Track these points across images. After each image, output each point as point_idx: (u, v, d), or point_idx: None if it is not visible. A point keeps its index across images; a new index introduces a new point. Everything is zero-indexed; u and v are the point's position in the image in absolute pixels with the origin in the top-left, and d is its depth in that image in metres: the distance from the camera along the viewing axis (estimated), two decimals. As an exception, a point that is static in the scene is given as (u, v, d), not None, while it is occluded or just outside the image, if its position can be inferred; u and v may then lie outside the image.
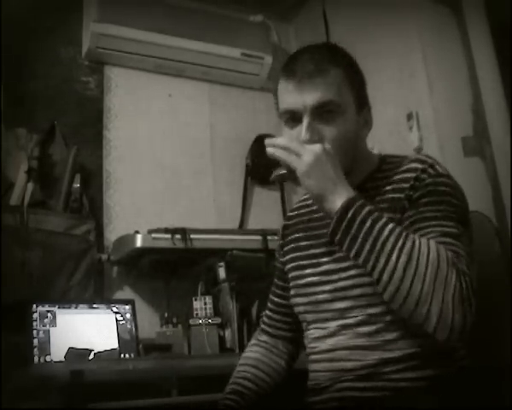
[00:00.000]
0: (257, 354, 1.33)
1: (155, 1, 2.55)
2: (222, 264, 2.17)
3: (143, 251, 2.14)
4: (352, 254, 1.02)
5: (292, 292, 1.25)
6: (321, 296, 1.16)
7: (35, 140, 2.17)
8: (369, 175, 1.17)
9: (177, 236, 2.10)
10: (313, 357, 1.19)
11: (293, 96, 1.11)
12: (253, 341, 1.39)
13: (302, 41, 2.89)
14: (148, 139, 2.55)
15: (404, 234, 0.99)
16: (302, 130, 1.10)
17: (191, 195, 2.57)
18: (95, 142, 2.42)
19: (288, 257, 1.28)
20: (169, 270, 2.30)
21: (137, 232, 2.11)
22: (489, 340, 1.21)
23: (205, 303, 2.15)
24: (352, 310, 1.11)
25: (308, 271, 1.20)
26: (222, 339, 2.14)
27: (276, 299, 1.37)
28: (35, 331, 1.84)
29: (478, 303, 0.98)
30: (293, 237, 1.28)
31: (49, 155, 2.22)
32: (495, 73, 2.14)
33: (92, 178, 2.36)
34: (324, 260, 1.17)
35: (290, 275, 1.26)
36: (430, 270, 0.95)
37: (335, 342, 1.13)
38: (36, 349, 1.81)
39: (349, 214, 1.01)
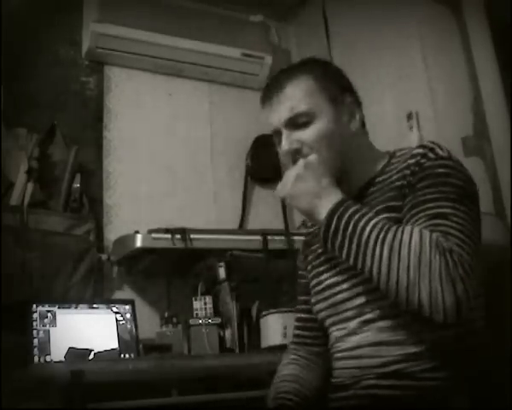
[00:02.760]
0: (294, 370, 1.31)
1: (155, 1, 2.55)
2: (222, 264, 2.17)
3: (143, 251, 2.13)
4: (344, 258, 1.05)
5: (313, 300, 1.26)
6: (339, 296, 1.17)
7: (35, 140, 2.17)
8: (378, 172, 1.19)
9: (177, 236, 2.10)
10: (337, 355, 1.20)
11: (271, 117, 1.20)
12: (285, 361, 1.36)
13: (302, 41, 2.90)
14: (148, 139, 2.55)
15: (385, 227, 1.00)
16: (282, 143, 1.17)
17: (191, 195, 2.57)
18: (95, 142, 2.42)
19: (309, 268, 1.30)
20: (169, 270, 2.30)
21: (137, 232, 2.11)
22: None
23: (205, 303, 2.15)
24: (369, 304, 1.11)
25: (325, 275, 1.21)
26: (222, 339, 2.13)
27: (303, 315, 1.37)
28: (35, 331, 1.83)
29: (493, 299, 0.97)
30: (312, 248, 1.30)
31: (49, 155, 2.22)
32: (495, 73, 2.14)
33: (92, 178, 2.36)
34: (339, 260, 1.16)
35: (311, 284, 1.28)
36: (413, 257, 0.96)
37: (359, 339, 1.13)
38: (36, 349, 1.80)
39: (333, 224, 1.05)
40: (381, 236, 0.99)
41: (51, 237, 2.09)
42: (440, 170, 1.07)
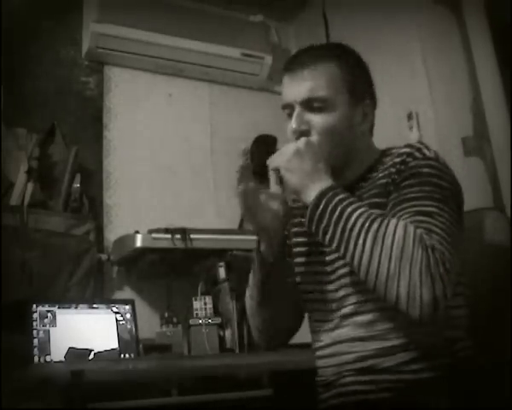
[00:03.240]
0: None
1: (155, 1, 2.55)
2: (222, 264, 2.17)
3: (143, 251, 2.13)
4: (327, 241, 1.05)
5: (298, 278, 1.26)
6: (324, 286, 1.17)
7: (35, 140, 2.17)
8: (368, 167, 1.19)
9: (177, 236, 2.10)
10: (318, 353, 1.21)
11: (287, 89, 1.18)
12: None
13: (302, 41, 2.89)
14: (148, 139, 2.55)
15: (371, 217, 1.01)
16: (292, 120, 1.16)
17: (191, 195, 2.57)
18: (95, 142, 2.42)
19: (295, 240, 1.29)
20: (169, 270, 2.30)
21: (137, 232, 2.11)
22: (498, 336, 1.21)
23: (205, 303, 2.15)
24: (348, 297, 1.12)
25: (312, 258, 1.22)
26: (222, 339, 2.14)
27: None
28: (35, 331, 1.84)
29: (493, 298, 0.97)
30: (296, 221, 1.28)
31: (49, 155, 2.22)
32: (495, 73, 2.14)
33: (92, 178, 2.36)
34: (327, 249, 1.17)
35: (295, 260, 1.27)
36: (396, 248, 0.96)
37: (337, 335, 1.14)
38: (36, 349, 1.81)
39: (320, 206, 1.05)
40: (366, 224, 1.00)
41: (51, 237, 2.09)
42: (426, 170, 1.07)
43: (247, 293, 1.29)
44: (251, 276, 1.26)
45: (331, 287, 1.16)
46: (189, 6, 2.63)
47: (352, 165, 1.19)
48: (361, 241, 0.99)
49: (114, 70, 2.54)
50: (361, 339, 1.10)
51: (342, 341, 1.13)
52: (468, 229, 1.13)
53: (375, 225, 0.99)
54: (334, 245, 1.04)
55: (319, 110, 1.14)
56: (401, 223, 0.99)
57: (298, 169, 1.09)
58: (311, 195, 1.07)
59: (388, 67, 2.34)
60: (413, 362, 1.06)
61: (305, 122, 1.15)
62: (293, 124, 1.15)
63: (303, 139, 1.11)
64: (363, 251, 0.99)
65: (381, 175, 1.13)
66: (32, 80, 2.31)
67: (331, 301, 1.16)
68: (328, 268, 1.17)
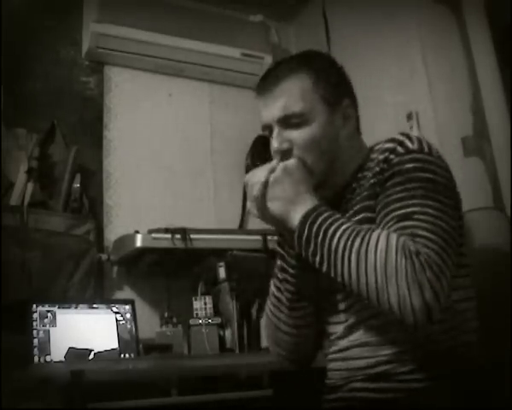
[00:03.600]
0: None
1: (155, 1, 2.55)
2: (222, 264, 2.17)
3: (143, 251, 2.13)
4: (318, 265, 1.04)
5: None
6: (334, 293, 1.16)
7: (35, 140, 2.17)
8: (358, 167, 1.17)
9: (177, 236, 2.10)
10: (329, 356, 1.20)
11: (263, 111, 1.19)
12: None
13: (302, 41, 2.90)
14: (148, 139, 2.55)
15: (353, 233, 0.99)
16: (273, 140, 1.16)
17: (191, 195, 2.57)
18: (95, 142, 2.42)
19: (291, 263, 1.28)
20: (169, 270, 2.30)
21: (137, 232, 2.11)
22: (499, 335, 1.21)
23: (205, 303, 2.15)
24: (360, 303, 1.10)
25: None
26: (222, 339, 2.14)
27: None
28: (35, 331, 1.83)
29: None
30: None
31: (49, 155, 2.22)
32: (495, 73, 2.14)
33: (92, 178, 2.36)
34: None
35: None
36: (379, 262, 0.95)
37: (349, 340, 1.13)
38: (36, 349, 1.80)
39: (305, 231, 1.04)
40: (348, 243, 0.99)
41: (51, 237, 2.09)
42: (408, 165, 1.04)
43: (269, 306, 1.28)
44: (273, 282, 1.26)
45: (339, 296, 1.15)
46: (189, 6, 2.63)
47: (341, 169, 1.17)
48: (346, 260, 0.98)
49: (114, 70, 2.54)
50: (372, 344, 1.09)
51: (352, 346, 1.12)
52: (468, 229, 1.12)
53: (357, 242, 0.98)
54: (325, 268, 1.03)
55: (297, 125, 1.13)
56: (383, 234, 0.98)
57: (279, 197, 1.08)
58: (294, 219, 1.06)
59: (388, 67, 2.34)
60: (423, 371, 1.04)
61: (285, 140, 1.14)
62: (274, 144, 1.15)
63: (280, 166, 1.10)
64: (349, 270, 0.98)
65: (369, 175, 1.11)
66: (32, 80, 2.31)
67: (340, 308, 1.15)
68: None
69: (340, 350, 1.15)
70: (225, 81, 2.75)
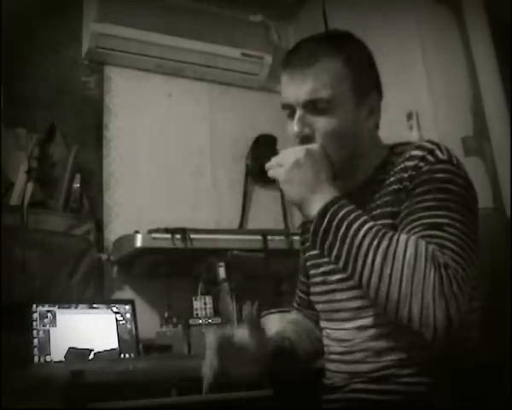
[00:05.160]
0: (295, 318, 1.36)
1: (155, 1, 2.55)
2: (222, 264, 2.16)
3: (143, 251, 2.13)
4: (333, 259, 1.01)
5: (311, 290, 1.25)
6: (336, 295, 1.15)
7: (35, 140, 2.17)
8: (378, 167, 1.14)
9: (177, 236, 2.10)
10: (330, 357, 1.19)
11: (287, 89, 1.11)
12: (289, 316, 1.42)
13: (302, 41, 2.89)
14: (148, 139, 2.55)
15: (380, 233, 0.96)
16: (294, 123, 1.10)
17: (191, 195, 2.57)
18: (95, 142, 2.42)
19: (307, 256, 1.28)
20: (169, 270, 2.30)
21: (137, 232, 2.11)
22: (499, 335, 1.21)
23: (205, 303, 2.15)
24: (366, 309, 1.08)
25: (322, 269, 1.19)
26: (222, 339, 2.13)
27: (302, 295, 1.38)
28: (35, 331, 1.83)
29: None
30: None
31: (49, 155, 2.22)
32: (495, 72, 2.14)
33: (92, 178, 2.36)
34: None
35: (309, 273, 1.26)
36: (406, 269, 0.92)
37: (352, 344, 1.11)
38: (36, 349, 1.80)
39: (325, 222, 1.00)
40: (375, 242, 0.95)
41: (51, 237, 2.09)
42: (439, 175, 1.02)
43: None
44: None
45: (343, 296, 1.13)
46: (189, 6, 2.63)
47: (360, 165, 1.14)
48: (369, 260, 0.94)
49: (114, 70, 2.54)
50: (375, 351, 1.07)
51: (356, 351, 1.10)
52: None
53: (385, 243, 0.94)
54: (341, 263, 0.99)
55: (322, 112, 1.07)
56: (412, 239, 0.95)
57: (297, 181, 1.03)
58: (314, 208, 1.01)
59: (388, 66, 2.33)
60: (426, 374, 1.03)
61: (307, 125, 1.08)
62: (295, 127, 1.09)
63: (302, 149, 1.05)
64: (372, 271, 0.94)
65: (392, 179, 1.08)
66: (32, 80, 2.31)
67: (344, 310, 1.13)
68: (339, 276, 1.13)
69: (343, 353, 1.13)
70: (225, 81, 2.75)
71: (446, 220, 0.98)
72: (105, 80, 2.52)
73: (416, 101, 2.22)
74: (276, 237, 2.26)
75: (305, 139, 1.09)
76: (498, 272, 1.23)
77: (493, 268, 1.23)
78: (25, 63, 2.31)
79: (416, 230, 0.98)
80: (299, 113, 1.09)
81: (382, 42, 2.36)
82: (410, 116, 2.21)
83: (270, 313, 2.06)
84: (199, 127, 2.68)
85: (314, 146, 1.07)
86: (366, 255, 0.95)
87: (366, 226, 0.97)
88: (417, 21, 2.26)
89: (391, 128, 2.20)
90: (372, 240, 0.95)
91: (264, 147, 2.59)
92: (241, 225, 2.62)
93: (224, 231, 2.32)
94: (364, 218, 0.99)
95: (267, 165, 1.08)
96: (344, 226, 0.98)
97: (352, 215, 0.99)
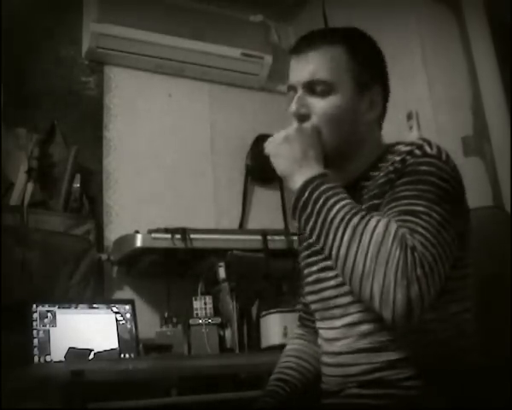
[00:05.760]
0: (298, 345, 1.34)
1: (155, 1, 2.55)
2: (222, 264, 2.17)
3: (143, 251, 2.13)
4: (308, 231, 1.03)
5: (305, 290, 1.25)
6: (326, 293, 1.15)
7: (35, 140, 2.18)
8: (371, 164, 1.14)
9: (177, 236, 2.10)
10: (324, 360, 1.19)
11: (292, 72, 1.16)
12: (292, 335, 1.41)
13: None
14: (148, 139, 2.55)
15: (353, 210, 0.98)
16: (293, 103, 1.14)
17: (191, 195, 2.57)
18: (95, 142, 2.42)
19: (301, 256, 1.28)
20: (169, 270, 2.30)
21: (137, 232, 2.11)
22: (499, 335, 1.21)
23: (205, 303, 2.15)
24: (352, 305, 1.08)
25: (315, 267, 1.19)
26: (222, 339, 2.13)
27: (303, 299, 1.37)
28: (35, 331, 1.84)
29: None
30: (304, 236, 1.26)
31: (49, 155, 2.23)
32: (495, 72, 2.14)
33: (92, 178, 2.36)
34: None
35: (303, 273, 1.26)
36: (373, 246, 0.92)
37: (341, 345, 1.11)
38: (36, 349, 1.81)
39: (305, 194, 1.02)
40: (346, 217, 0.97)
41: (51, 237, 2.09)
42: (423, 168, 1.02)
43: None
44: None
45: (333, 292, 1.13)
46: (189, 6, 2.63)
47: (355, 159, 1.15)
48: (339, 234, 0.96)
49: (114, 70, 2.54)
50: (365, 351, 1.07)
51: (347, 352, 1.10)
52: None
53: (355, 220, 0.96)
54: (315, 236, 1.01)
55: (321, 94, 1.11)
56: (383, 220, 0.96)
57: (286, 155, 1.07)
58: (297, 181, 1.05)
59: (388, 66, 2.34)
60: (420, 377, 1.02)
61: (305, 105, 1.12)
62: (293, 106, 1.13)
63: (294, 125, 1.10)
64: (340, 245, 0.96)
65: (381, 175, 1.09)
66: (32, 80, 2.31)
67: (333, 307, 1.13)
68: (330, 273, 1.13)
69: (335, 354, 1.13)
70: (225, 81, 2.76)
71: (423, 209, 0.98)
72: (105, 80, 2.52)
73: (416, 101, 2.22)
74: (276, 237, 2.26)
75: (301, 119, 1.12)
76: (499, 271, 1.23)
77: (493, 266, 1.24)
78: (25, 63, 2.31)
79: (392, 214, 0.99)
80: (299, 93, 1.13)
81: (382, 42, 2.36)
82: (410, 116, 2.21)
83: (270, 313, 2.06)
84: (199, 127, 2.68)
85: (307, 124, 1.11)
86: (336, 230, 0.97)
87: (342, 203, 0.99)
88: (417, 22, 2.27)
89: (391, 128, 2.22)
90: (344, 216, 0.97)
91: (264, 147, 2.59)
92: (241, 225, 2.62)
93: (224, 231, 2.32)
94: (343, 196, 1.01)
95: (265, 143, 1.13)
96: (321, 200, 1.01)
97: (331, 191, 1.01)
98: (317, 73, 1.11)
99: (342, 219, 0.97)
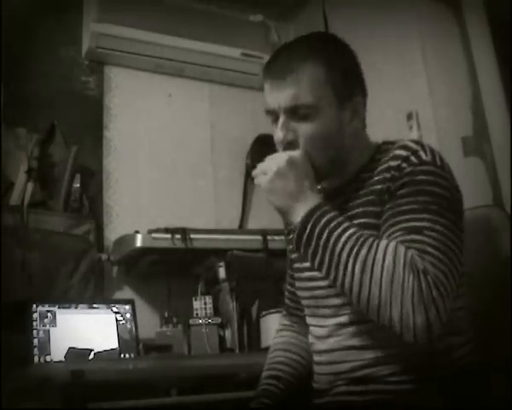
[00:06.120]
0: (286, 337, 1.34)
1: (155, 1, 2.55)
2: (222, 264, 2.17)
3: (143, 251, 2.13)
4: (316, 266, 1.02)
5: (296, 284, 1.26)
6: (318, 292, 1.16)
7: (35, 140, 2.17)
8: (364, 165, 1.14)
9: (177, 236, 2.10)
10: (315, 359, 1.19)
11: (269, 96, 1.12)
12: (279, 326, 1.40)
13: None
14: (148, 139, 2.55)
15: (360, 240, 0.96)
16: (277, 129, 1.11)
17: (191, 195, 2.57)
18: (95, 142, 2.42)
19: (289, 247, 1.29)
20: (169, 270, 2.30)
21: (137, 232, 2.11)
22: (499, 335, 1.21)
23: (205, 303, 2.15)
24: (345, 307, 1.09)
25: (306, 264, 1.18)
26: (222, 339, 2.14)
27: (289, 288, 1.38)
28: (35, 331, 1.83)
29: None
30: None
31: (49, 155, 2.22)
32: (495, 72, 2.14)
33: (92, 178, 2.36)
34: None
35: (294, 267, 1.27)
36: (385, 276, 0.93)
37: (332, 342, 1.12)
38: (36, 349, 1.80)
39: (307, 230, 1.01)
40: (354, 250, 0.96)
41: (51, 237, 2.09)
42: (422, 177, 1.02)
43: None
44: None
45: (325, 292, 1.13)
46: (189, 6, 2.63)
47: (345, 165, 1.15)
48: (350, 268, 0.95)
49: (114, 70, 2.54)
50: (355, 348, 1.08)
51: (337, 349, 1.11)
52: (468, 226, 1.11)
53: (364, 251, 0.95)
54: (324, 271, 1.00)
55: (305, 117, 1.08)
56: (391, 245, 0.95)
57: (281, 191, 1.05)
58: (296, 216, 1.03)
59: (388, 66, 2.34)
60: (408, 372, 1.03)
61: (291, 131, 1.09)
62: (279, 134, 1.11)
63: (285, 157, 1.06)
64: (352, 279, 0.95)
65: (376, 179, 1.08)
66: (32, 80, 2.31)
67: (325, 307, 1.14)
68: (319, 274, 1.11)
69: (326, 351, 1.14)
70: (225, 81, 2.75)
71: (427, 224, 0.98)
72: (105, 80, 2.52)
73: (416, 101, 2.22)
74: (276, 237, 2.25)
75: (288, 145, 1.10)
76: (499, 270, 1.23)
77: (493, 266, 1.24)
78: (25, 63, 2.31)
79: (397, 234, 0.99)
80: (281, 119, 1.10)
81: (382, 42, 2.37)
82: (410, 116, 2.21)
83: (270, 313, 2.06)
84: (199, 127, 2.68)
85: (296, 153, 1.08)
86: (346, 263, 0.96)
87: (347, 234, 0.98)
88: (417, 21, 2.26)
89: (391, 128, 2.22)
90: (352, 248, 0.96)
91: (264, 147, 2.58)
92: (241, 225, 2.62)
93: (224, 231, 2.32)
94: (345, 225, 1.00)
95: (253, 172, 1.11)
96: (325, 234, 0.99)
97: (334, 223, 1.00)
98: (299, 98, 1.08)
99: (351, 252, 0.96)
